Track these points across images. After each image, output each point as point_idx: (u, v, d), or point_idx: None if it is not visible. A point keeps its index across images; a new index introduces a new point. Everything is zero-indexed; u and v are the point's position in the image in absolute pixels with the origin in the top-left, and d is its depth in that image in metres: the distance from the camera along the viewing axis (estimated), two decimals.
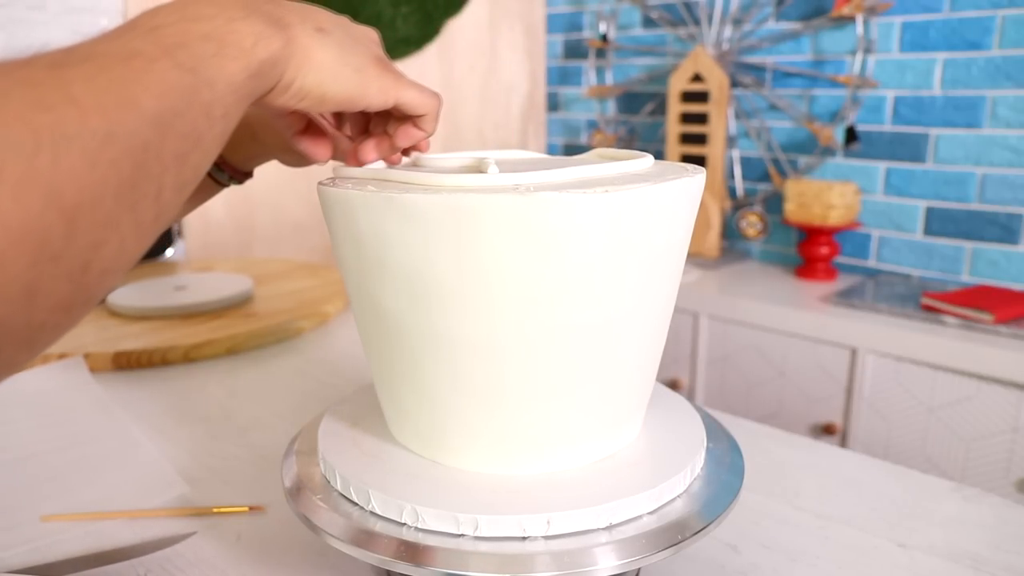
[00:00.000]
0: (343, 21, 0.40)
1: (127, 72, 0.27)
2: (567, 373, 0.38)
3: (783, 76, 1.82)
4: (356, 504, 0.39)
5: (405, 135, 0.44)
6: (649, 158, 0.43)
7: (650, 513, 0.38)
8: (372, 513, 0.38)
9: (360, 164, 0.44)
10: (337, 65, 0.37)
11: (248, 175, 0.57)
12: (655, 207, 0.36)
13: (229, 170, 0.55)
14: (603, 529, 0.36)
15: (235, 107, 0.33)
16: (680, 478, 0.40)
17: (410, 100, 0.41)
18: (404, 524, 0.37)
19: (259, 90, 0.35)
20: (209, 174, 0.53)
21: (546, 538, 0.36)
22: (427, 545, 0.35)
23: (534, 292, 0.36)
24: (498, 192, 0.34)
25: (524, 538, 0.36)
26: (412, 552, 0.35)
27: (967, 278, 1.62)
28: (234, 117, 0.33)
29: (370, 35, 0.42)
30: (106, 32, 0.30)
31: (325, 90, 0.38)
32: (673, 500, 0.39)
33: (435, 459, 0.42)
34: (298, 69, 0.36)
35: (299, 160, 0.54)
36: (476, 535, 0.36)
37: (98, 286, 0.27)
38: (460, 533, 0.36)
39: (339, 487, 0.40)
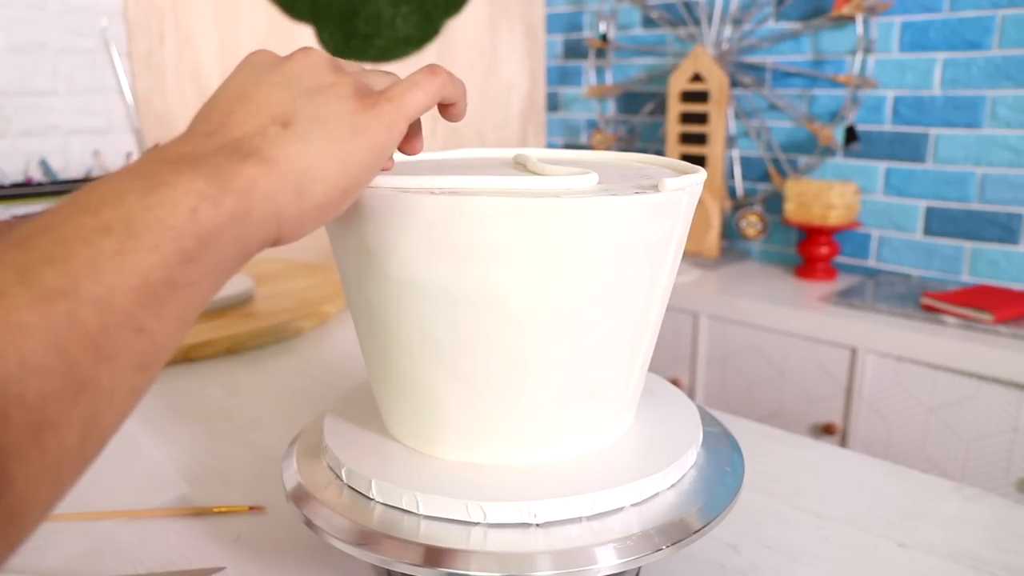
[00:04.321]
0: (292, 76, 0.31)
1: None
2: (562, 370, 0.38)
3: (783, 76, 1.82)
4: (360, 493, 0.39)
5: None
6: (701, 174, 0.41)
7: (642, 505, 0.38)
8: (373, 513, 0.38)
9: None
10: (332, 145, 0.30)
11: None
12: (651, 214, 0.37)
13: None
14: (600, 528, 0.36)
15: (168, 309, 0.24)
16: (675, 470, 0.40)
17: (419, 103, 0.33)
18: (404, 523, 0.37)
19: (232, 254, 0.26)
20: None
21: (547, 537, 0.36)
22: (428, 545, 0.35)
23: (530, 292, 0.36)
24: (497, 195, 0.34)
25: (525, 533, 0.36)
26: (412, 552, 0.35)
27: (967, 278, 1.62)
28: (174, 321, 0.24)
29: (319, 63, 0.32)
30: None
31: (347, 180, 0.30)
32: (673, 499, 0.39)
33: (425, 452, 0.42)
34: (296, 194, 0.28)
35: None
36: (477, 532, 0.36)
37: None
38: (462, 525, 0.36)
39: (344, 478, 0.40)
